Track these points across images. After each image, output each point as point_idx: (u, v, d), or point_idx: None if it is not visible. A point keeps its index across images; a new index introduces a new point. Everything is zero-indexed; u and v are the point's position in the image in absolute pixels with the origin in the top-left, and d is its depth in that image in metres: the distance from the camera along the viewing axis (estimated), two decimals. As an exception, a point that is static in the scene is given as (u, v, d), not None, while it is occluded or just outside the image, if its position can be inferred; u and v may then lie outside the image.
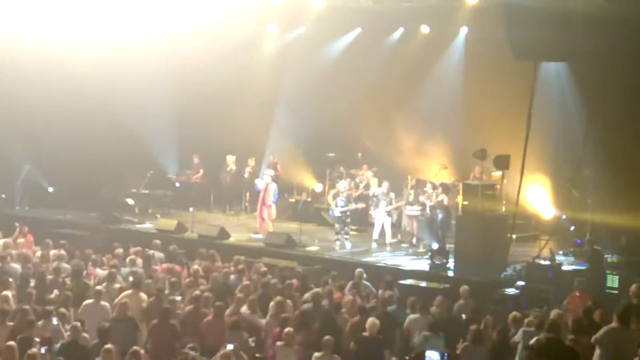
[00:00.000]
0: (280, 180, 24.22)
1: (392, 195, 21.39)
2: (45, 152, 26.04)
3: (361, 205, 22.17)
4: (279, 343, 12.53)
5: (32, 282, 15.46)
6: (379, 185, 22.90)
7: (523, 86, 19.37)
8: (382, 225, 21.30)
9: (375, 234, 21.28)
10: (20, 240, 19.35)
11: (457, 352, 12.27)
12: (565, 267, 18.12)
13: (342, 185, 21.73)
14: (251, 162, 25.82)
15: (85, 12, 23.82)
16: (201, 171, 26.40)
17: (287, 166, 26.20)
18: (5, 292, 14.01)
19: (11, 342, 11.45)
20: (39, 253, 17.77)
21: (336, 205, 21.06)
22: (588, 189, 21.41)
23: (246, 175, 25.69)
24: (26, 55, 23.93)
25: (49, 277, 15.81)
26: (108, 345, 11.42)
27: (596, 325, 12.44)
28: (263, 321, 13.90)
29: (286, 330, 12.62)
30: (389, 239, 21.14)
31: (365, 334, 12.72)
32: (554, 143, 22.68)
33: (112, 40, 24.82)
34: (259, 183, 22.78)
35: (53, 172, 26.26)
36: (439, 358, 11.61)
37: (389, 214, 21.12)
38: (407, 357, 12.22)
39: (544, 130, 21.78)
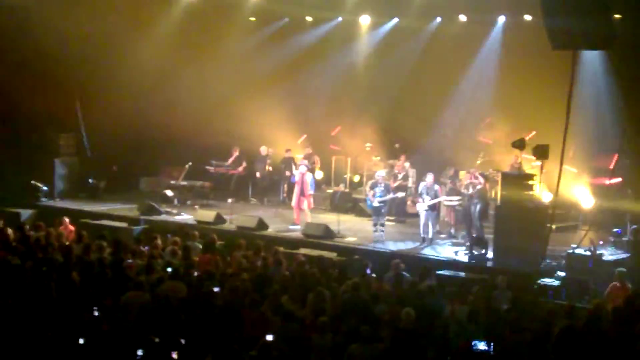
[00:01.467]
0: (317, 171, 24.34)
1: (436, 187, 20.92)
2: (85, 144, 26.29)
3: (401, 194, 22.08)
4: (314, 334, 12.54)
5: (73, 273, 15.58)
6: (417, 176, 22.84)
7: (562, 75, 19.21)
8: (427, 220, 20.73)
9: (423, 230, 20.67)
10: (62, 231, 19.55)
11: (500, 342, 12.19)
12: (605, 258, 17.94)
13: (380, 174, 21.64)
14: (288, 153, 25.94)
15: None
16: (244, 163, 26.52)
17: (326, 157, 26.30)
18: (48, 283, 14.14)
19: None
20: (79, 244, 17.93)
21: (374, 195, 20.93)
22: (628, 178, 21.26)
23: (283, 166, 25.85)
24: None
25: (90, 267, 15.94)
26: (151, 336, 11.48)
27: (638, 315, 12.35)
28: (302, 311, 13.92)
29: (322, 319, 12.62)
30: (431, 233, 20.65)
31: (402, 324, 12.70)
32: (593, 132, 22.53)
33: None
34: (295, 174, 22.82)
35: (93, 163, 26.50)
36: (486, 347, 11.54)
37: (432, 207, 20.62)
38: (455, 349, 12.12)
39: (583, 119, 21.63)
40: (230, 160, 26.70)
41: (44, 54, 23.90)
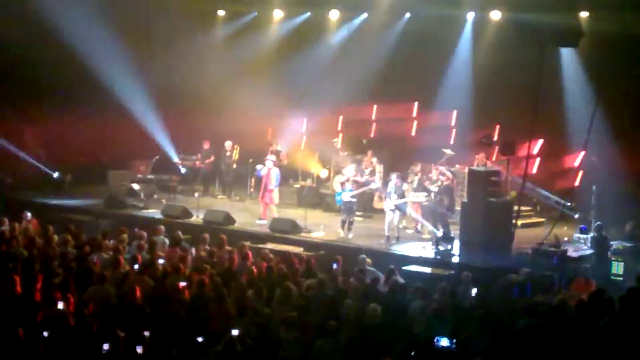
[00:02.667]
0: (284, 166, 24.28)
1: (404, 187, 20.88)
2: (51, 137, 26.10)
3: (374, 184, 21.98)
4: (282, 329, 12.54)
5: (37, 266, 15.47)
6: (385, 171, 22.88)
7: (530, 71, 19.33)
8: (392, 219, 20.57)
9: (387, 229, 20.44)
10: (27, 225, 19.39)
11: (463, 338, 12.25)
12: (570, 254, 18.10)
13: (350, 170, 21.60)
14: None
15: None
16: (212, 157, 26.46)
17: (292, 152, 26.26)
18: (11, 276, 14.02)
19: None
20: (43, 238, 17.80)
21: (343, 190, 20.88)
22: (593, 175, 21.46)
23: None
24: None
25: (54, 261, 15.83)
26: (116, 330, 11.42)
27: (601, 310, 12.46)
28: (268, 307, 13.91)
29: (290, 314, 12.63)
30: (397, 232, 20.53)
31: (368, 320, 12.73)
32: (561, 128, 22.73)
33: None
34: (261, 169, 22.76)
35: (59, 157, 26.31)
36: (448, 344, 11.57)
37: (397, 207, 20.50)
38: (419, 344, 12.16)
39: (551, 115, 21.81)
40: (199, 154, 26.60)
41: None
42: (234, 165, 26.15)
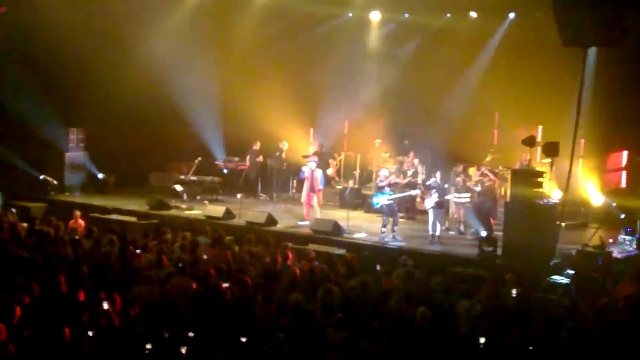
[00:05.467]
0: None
1: (444, 185, 20.93)
2: (95, 139, 26.34)
3: (415, 192, 21.89)
4: (329, 329, 12.54)
5: (83, 267, 15.62)
6: (427, 172, 22.80)
7: (573, 72, 19.18)
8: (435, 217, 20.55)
9: (431, 227, 20.46)
10: (72, 225, 19.62)
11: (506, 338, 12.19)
12: (615, 255, 17.92)
13: (384, 173, 21.50)
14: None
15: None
16: (261, 157, 26.56)
17: (335, 153, 26.37)
18: (57, 277, 14.17)
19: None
20: (89, 238, 17.98)
21: (382, 192, 20.80)
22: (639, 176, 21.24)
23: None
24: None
25: (100, 262, 15.98)
26: (160, 330, 11.50)
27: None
28: (311, 307, 13.92)
29: (338, 315, 12.62)
30: (439, 230, 20.52)
31: (417, 323, 12.69)
32: (604, 130, 22.50)
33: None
34: (305, 170, 22.80)
35: (103, 158, 26.55)
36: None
37: (439, 205, 20.48)
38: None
39: (595, 116, 21.59)
40: (248, 155, 26.71)
41: (52, 49, 24.02)
42: (284, 165, 26.28)
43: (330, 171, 26.27)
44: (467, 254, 19.09)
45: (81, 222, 20.21)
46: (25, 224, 19.19)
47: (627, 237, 19.45)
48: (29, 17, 23.86)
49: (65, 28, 23.58)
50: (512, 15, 25.11)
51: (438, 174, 20.87)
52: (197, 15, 26.43)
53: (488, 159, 23.59)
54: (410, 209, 23.58)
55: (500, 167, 22.98)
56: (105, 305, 12.80)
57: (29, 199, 24.12)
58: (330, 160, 26.72)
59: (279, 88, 26.36)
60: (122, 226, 20.43)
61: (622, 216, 20.96)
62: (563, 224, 19.64)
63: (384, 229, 20.49)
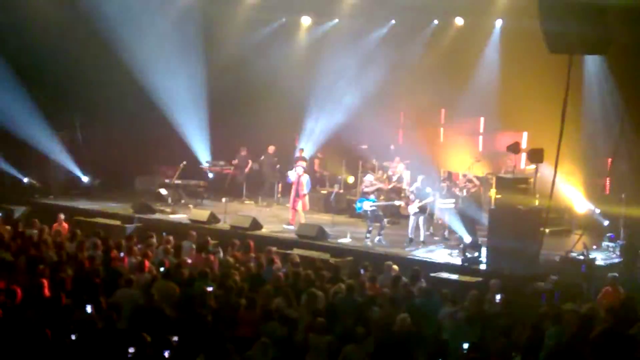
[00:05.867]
0: (313, 172, 24.33)
1: (427, 190, 20.86)
2: (79, 143, 26.27)
3: (398, 202, 21.92)
4: (311, 334, 12.52)
5: (66, 270, 15.56)
6: (412, 178, 22.81)
7: (558, 79, 19.23)
8: (417, 222, 20.70)
9: (411, 231, 20.59)
10: (56, 228, 19.55)
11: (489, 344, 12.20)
12: (598, 262, 17.98)
13: (368, 179, 21.49)
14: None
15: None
16: (250, 162, 26.57)
17: (320, 158, 26.34)
18: (40, 280, 14.12)
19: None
20: (72, 242, 17.92)
21: (366, 198, 20.82)
22: (623, 183, 21.28)
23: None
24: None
25: (83, 265, 15.93)
26: (143, 334, 11.46)
27: (630, 319, 12.37)
28: (295, 312, 13.90)
29: (318, 320, 12.61)
30: (422, 236, 20.62)
31: (396, 328, 12.69)
32: (589, 137, 22.56)
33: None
34: (291, 175, 22.79)
35: (87, 162, 26.47)
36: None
37: (422, 210, 20.58)
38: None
39: (579, 123, 21.66)
40: (236, 160, 26.71)
41: (37, 52, 23.96)
42: (277, 166, 26.30)
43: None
44: (451, 259, 19.10)
45: (65, 225, 20.14)
46: (8, 227, 19.14)
47: (611, 244, 19.52)
48: (14, 19, 23.76)
49: (52, 31, 23.51)
50: (499, 22, 25.12)
51: (419, 179, 20.87)
52: (184, 18, 26.34)
53: (472, 164, 23.58)
54: (394, 213, 23.57)
55: (485, 173, 23.02)
56: (89, 309, 12.78)
57: (12, 201, 23.98)
58: (316, 160, 26.79)
59: (265, 93, 26.37)
60: (106, 229, 20.35)
61: (606, 223, 21.04)
62: (547, 230, 19.68)
63: (368, 234, 20.56)
